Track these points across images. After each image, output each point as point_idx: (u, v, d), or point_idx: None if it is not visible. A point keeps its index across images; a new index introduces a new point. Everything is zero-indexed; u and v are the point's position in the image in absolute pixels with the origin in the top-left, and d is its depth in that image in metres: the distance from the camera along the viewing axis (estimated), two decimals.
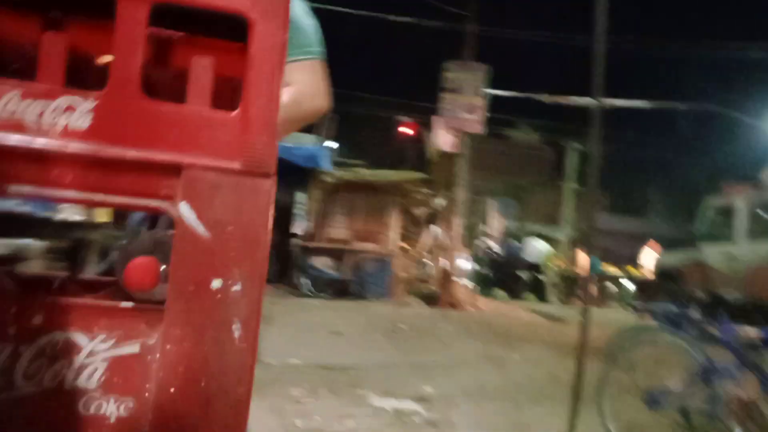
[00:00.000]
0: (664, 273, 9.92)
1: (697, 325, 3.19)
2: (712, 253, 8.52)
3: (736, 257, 7.97)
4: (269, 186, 0.73)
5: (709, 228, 9.07)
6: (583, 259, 14.15)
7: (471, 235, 17.10)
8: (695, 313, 3.23)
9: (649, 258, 12.13)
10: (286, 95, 1.41)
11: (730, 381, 2.83)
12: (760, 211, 8.07)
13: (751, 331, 3.21)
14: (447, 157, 11.20)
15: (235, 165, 0.72)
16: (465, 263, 11.56)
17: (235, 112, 0.73)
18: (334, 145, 16.18)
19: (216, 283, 0.70)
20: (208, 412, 0.68)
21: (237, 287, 0.70)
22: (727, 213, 8.68)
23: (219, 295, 0.70)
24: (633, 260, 16.46)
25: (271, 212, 0.74)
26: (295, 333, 5.85)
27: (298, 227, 11.80)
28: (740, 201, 8.39)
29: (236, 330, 0.70)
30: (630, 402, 3.17)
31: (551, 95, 15.92)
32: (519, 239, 16.06)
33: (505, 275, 14.03)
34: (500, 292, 13.97)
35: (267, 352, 4.73)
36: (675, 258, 9.99)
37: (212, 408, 0.69)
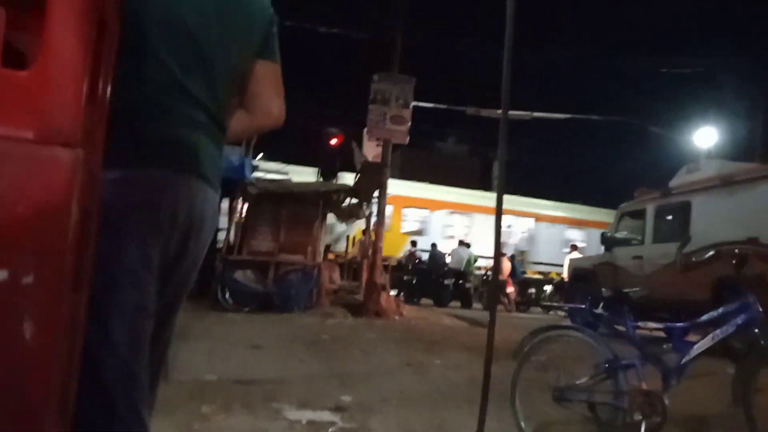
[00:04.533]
0: (577, 275, 10.33)
1: (603, 322, 3.28)
2: (622, 255, 8.94)
3: (643, 258, 8.40)
4: (72, 158, 0.63)
5: (621, 231, 9.53)
6: (505, 265, 14.49)
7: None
8: (602, 311, 3.32)
9: (566, 262, 12.60)
10: (247, 103, 1.47)
11: (633, 373, 2.92)
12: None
13: (653, 326, 3.34)
14: (374, 168, 11.19)
15: (26, 133, 0.62)
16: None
17: (26, 71, 0.63)
18: (260, 155, 15.87)
19: (1, 275, 0.59)
20: None
21: (28, 279, 0.60)
22: (638, 217, 9.15)
23: (4, 289, 0.59)
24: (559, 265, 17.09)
25: (79, 190, 0.65)
26: (212, 348, 5.61)
27: (222, 240, 11.44)
28: (649, 206, 8.85)
29: (27, 330, 0.59)
30: (541, 399, 3.21)
31: (475, 107, 16.38)
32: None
33: (430, 283, 14.16)
34: (426, 300, 14.09)
35: (180, 369, 4.51)
36: (588, 261, 10.43)
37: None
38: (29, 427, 0.60)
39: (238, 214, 11.07)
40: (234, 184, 10.29)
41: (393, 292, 11.27)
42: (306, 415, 3.54)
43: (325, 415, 3.57)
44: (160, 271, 1.24)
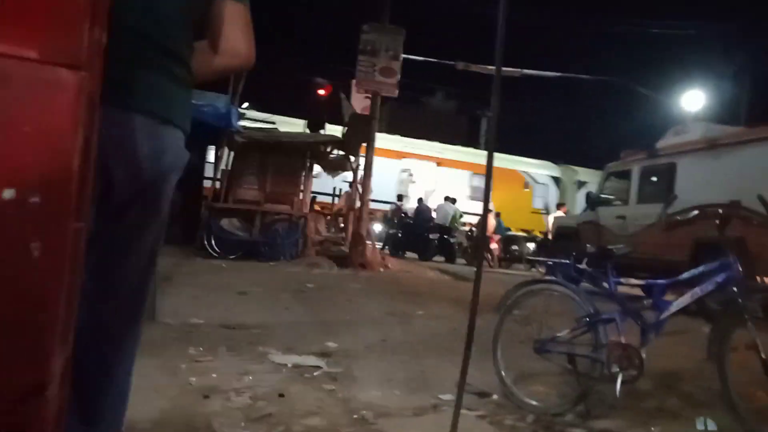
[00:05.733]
0: (561, 233, 10.48)
1: (586, 277, 3.34)
2: (606, 215, 9.06)
3: (626, 218, 8.52)
4: (78, 79, 0.61)
5: (606, 191, 9.62)
6: (490, 222, 14.62)
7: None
8: (585, 267, 3.37)
9: (550, 220, 12.75)
10: (214, 43, 1.44)
11: (612, 328, 3.00)
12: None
13: (634, 283, 3.41)
14: (362, 120, 11.07)
15: (31, 52, 0.60)
16: (377, 225, 11.62)
17: None
18: (246, 104, 15.61)
19: (8, 194, 0.58)
20: None
21: (35, 199, 0.59)
22: (623, 177, 9.22)
23: (11, 208, 0.58)
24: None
25: (84, 115, 0.63)
26: (198, 294, 5.65)
27: (207, 188, 11.38)
28: (634, 166, 8.92)
29: (35, 249, 0.59)
30: (522, 351, 3.30)
31: (465, 62, 16.16)
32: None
33: (415, 237, 14.27)
34: (410, 254, 14.23)
35: (166, 312, 4.55)
36: (572, 219, 10.56)
37: (4, 340, 0.58)
38: (36, 348, 0.61)
39: (223, 162, 10.97)
40: (220, 132, 10.15)
41: (379, 245, 11.34)
42: (292, 359, 3.61)
43: (311, 360, 3.64)
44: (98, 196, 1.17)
